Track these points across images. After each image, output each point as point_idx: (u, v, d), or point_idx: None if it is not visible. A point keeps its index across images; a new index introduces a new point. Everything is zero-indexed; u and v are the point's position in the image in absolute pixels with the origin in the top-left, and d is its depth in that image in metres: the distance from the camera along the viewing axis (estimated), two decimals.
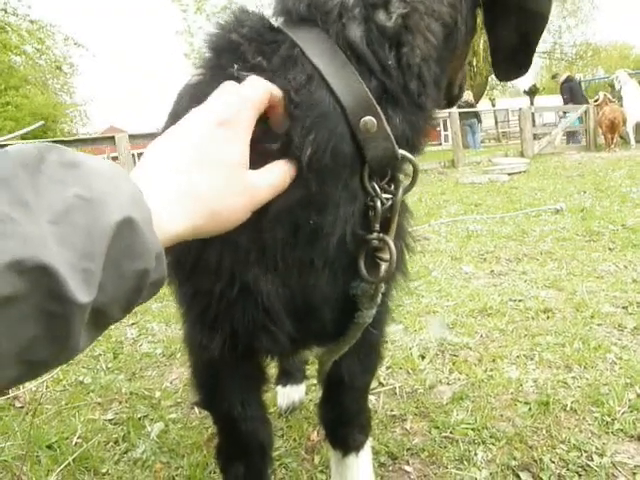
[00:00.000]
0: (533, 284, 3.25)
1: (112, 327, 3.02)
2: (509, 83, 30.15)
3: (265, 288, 0.83)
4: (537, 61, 31.92)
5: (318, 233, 0.81)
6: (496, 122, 28.10)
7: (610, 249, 3.95)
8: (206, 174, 0.63)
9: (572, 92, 16.29)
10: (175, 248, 0.76)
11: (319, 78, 0.76)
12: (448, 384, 2.01)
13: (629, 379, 1.92)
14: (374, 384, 2.03)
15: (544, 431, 1.65)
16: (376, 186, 0.81)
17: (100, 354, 2.60)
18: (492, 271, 3.64)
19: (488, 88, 25.98)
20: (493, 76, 26.98)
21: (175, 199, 0.60)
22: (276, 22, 0.85)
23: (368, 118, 0.76)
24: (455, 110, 13.76)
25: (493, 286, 3.29)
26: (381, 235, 0.84)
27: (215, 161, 0.64)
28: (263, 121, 0.73)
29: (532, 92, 28.55)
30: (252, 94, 0.70)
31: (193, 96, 0.85)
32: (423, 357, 2.24)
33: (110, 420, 1.99)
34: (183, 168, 0.62)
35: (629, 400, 1.77)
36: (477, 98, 25.04)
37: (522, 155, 12.31)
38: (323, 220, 0.80)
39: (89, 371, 2.41)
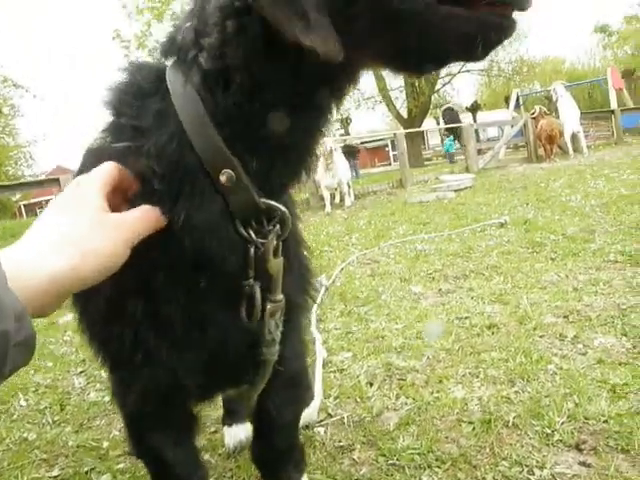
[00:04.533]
0: (479, 300, 3.31)
1: (59, 377, 2.96)
2: (452, 101, 30.98)
3: (168, 350, 0.87)
4: (477, 78, 32.93)
5: (208, 288, 0.85)
6: (442, 140, 28.80)
7: (552, 259, 4.06)
8: (71, 221, 0.73)
9: (450, 117, 20.67)
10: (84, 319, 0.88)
11: (182, 135, 0.78)
12: (395, 410, 2.02)
13: (568, 389, 1.97)
14: (322, 415, 2.04)
15: (487, 449, 1.68)
16: (251, 232, 0.83)
17: (46, 407, 2.52)
18: (440, 290, 3.70)
19: (431, 107, 26.59)
20: (436, 95, 27.73)
21: (46, 247, 0.68)
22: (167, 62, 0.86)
23: (226, 171, 0.78)
24: (402, 131, 14.06)
25: (441, 305, 3.34)
26: (251, 282, 0.86)
27: (77, 210, 0.74)
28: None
29: (474, 108, 29.46)
30: (102, 169, 0.81)
31: (95, 162, 0.87)
32: (371, 384, 2.25)
33: (56, 477, 1.93)
34: (52, 222, 0.74)
35: (568, 410, 1.82)
36: (421, 117, 25.61)
37: (467, 171, 12.61)
38: (210, 274, 0.84)
39: (34, 426, 2.34)
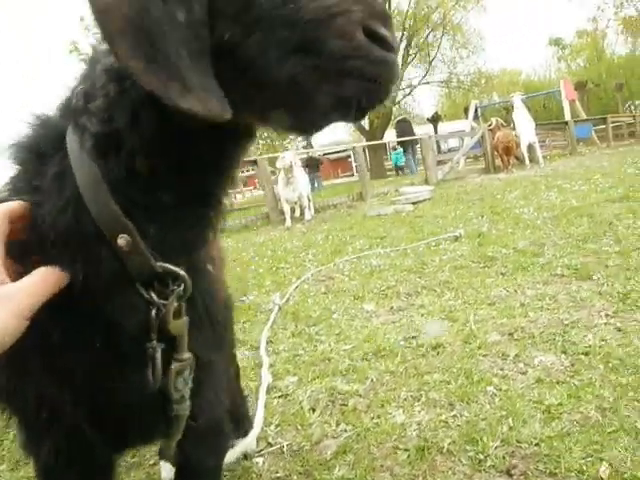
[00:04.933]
0: (429, 317, 3.34)
1: None
2: (413, 112, 31.44)
3: (73, 409, 0.87)
4: (437, 90, 33.42)
5: (111, 348, 0.84)
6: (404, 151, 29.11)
7: (502, 274, 4.12)
8: None
9: (403, 130, 21.12)
10: None
11: (78, 199, 0.77)
12: (334, 437, 2.02)
13: (505, 411, 2.00)
14: (262, 444, 2.03)
15: (420, 478, 1.68)
16: (153, 294, 0.83)
17: None
18: (392, 307, 3.71)
19: (393, 118, 26.88)
20: (397, 107, 28.07)
21: None
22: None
23: (122, 236, 0.77)
24: (360, 144, 14.18)
25: (392, 323, 3.36)
26: (154, 344, 0.85)
27: None
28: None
29: (435, 119, 29.86)
30: None
31: None
32: (314, 410, 2.25)
33: None
34: None
35: (502, 434, 1.84)
36: (383, 128, 25.83)
37: (427, 182, 12.76)
38: (112, 335, 0.84)
39: None
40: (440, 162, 15.36)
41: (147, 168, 0.77)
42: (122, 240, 0.77)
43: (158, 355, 0.85)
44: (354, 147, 12.71)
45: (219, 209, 0.88)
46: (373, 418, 2.11)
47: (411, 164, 21.45)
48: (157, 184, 0.78)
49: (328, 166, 32.52)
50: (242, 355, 3.09)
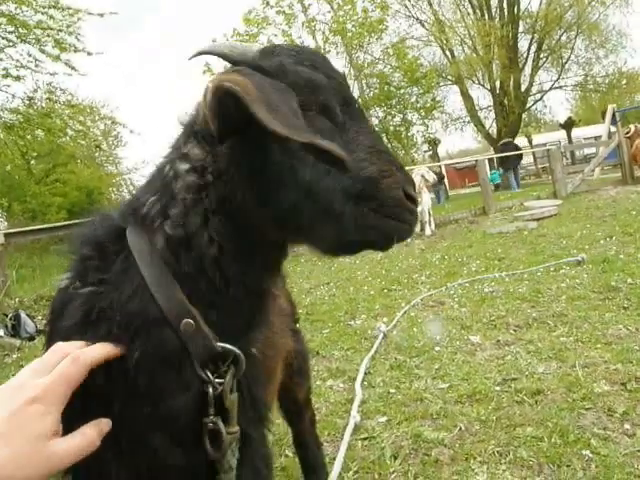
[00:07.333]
0: (536, 356, 3.17)
1: None
2: (543, 119, 29.88)
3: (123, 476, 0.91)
4: (571, 94, 31.49)
5: (155, 420, 0.90)
6: (534, 158, 27.79)
7: (625, 308, 3.83)
8: (10, 448, 0.68)
9: (504, 152, 19.89)
10: None
11: (145, 289, 0.88)
12: None
13: None
14: None
15: None
16: (209, 373, 0.90)
17: None
18: (498, 341, 3.57)
19: (522, 125, 25.80)
20: (526, 113, 26.86)
21: None
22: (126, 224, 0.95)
23: (186, 320, 0.87)
24: (482, 157, 13.75)
25: (495, 359, 3.23)
26: (214, 419, 0.92)
27: (21, 436, 0.69)
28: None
29: (568, 125, 28.23)
30: (68, 371, 0.77)
31: (64, 303, 0.95)
32: (395, 457, 2.21)
33: None
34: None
35: None
36: (513, 136, 24.84)
37: (555, 196, 12.09)
38: (158, 409, 0.89)
39: None
40: (572, 173, 14.49)
41: (212, 267, 0.90)
42: (186, 323, 0.87)
43: (222, 429, 0.92)
44: (477, 160, 12.36)
45: (269, 297, 1.02)
46: (453, 474, 2.03)
47: (512, 181, 20.34)
48: (218, 279, 0.90)
49: (455, 175, 31.80)
50: (338, 388, 3.11)
